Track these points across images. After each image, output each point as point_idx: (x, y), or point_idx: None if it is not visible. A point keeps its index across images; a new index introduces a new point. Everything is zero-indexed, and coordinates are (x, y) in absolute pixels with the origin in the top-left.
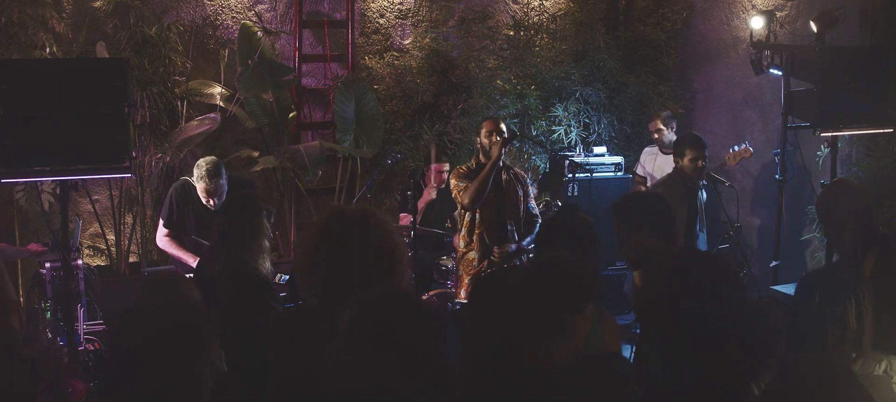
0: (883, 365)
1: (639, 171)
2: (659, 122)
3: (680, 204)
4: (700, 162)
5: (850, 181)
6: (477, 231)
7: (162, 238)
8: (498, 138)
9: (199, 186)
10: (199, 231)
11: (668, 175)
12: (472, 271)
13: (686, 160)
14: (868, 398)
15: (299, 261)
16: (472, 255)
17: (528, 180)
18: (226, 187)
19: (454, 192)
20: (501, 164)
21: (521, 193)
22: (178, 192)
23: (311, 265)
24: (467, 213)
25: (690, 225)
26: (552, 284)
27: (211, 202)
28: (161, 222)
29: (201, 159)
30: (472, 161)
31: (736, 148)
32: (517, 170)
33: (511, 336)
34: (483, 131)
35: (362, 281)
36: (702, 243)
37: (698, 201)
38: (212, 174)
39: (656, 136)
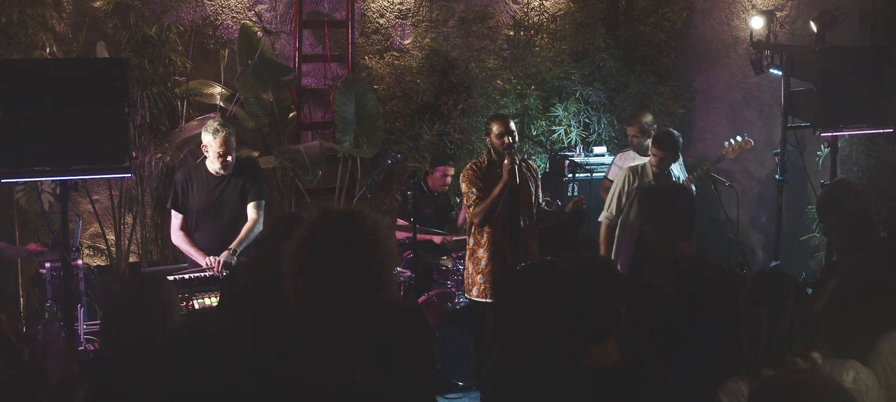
0: (851, 375)
1: (610, 176)
2: (635, 128)
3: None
4: (665, 161)
5: (852, 180)
6: (488, 229)
7: (175, 232)
8: (509, 163)
9: (216, 143)
10: (202, 208)
11: (640, 165)
12: (481, 270)
13: (651, 155)
14: None
15: (286, 263)
16: (481, 252)
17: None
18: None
19: (465, 199)
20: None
21: (533, 187)
22: (181, 175)
23: (298, 268)
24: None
25: None
26: (610, 284)
27: (229, 159)
28: (172, 212)
29: (209, 121)
30: (484, 157)
31: (733, 140)
32: (530, 163)
33: (569, 332)
34: (493, 131)
35: (348, 283)
36: None
37: None
38: (225, 126)
39: (634, 141)
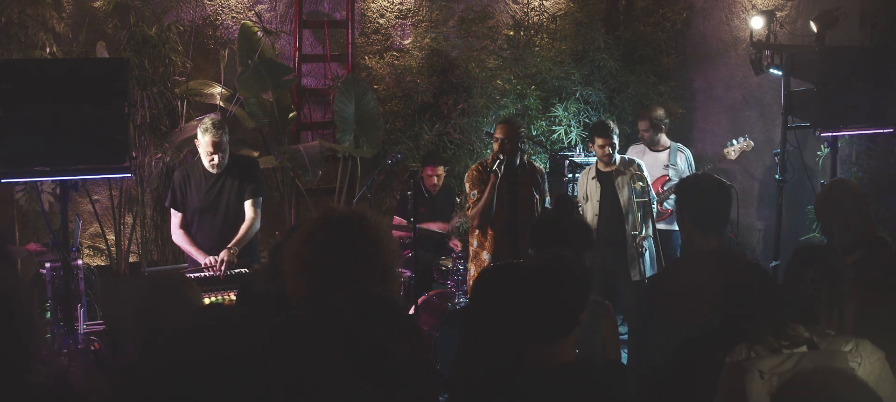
0: (850, 345)
1: None
2: (645, 123)
3: (593, 190)
4: (607, 148)
5: (850, 181)
6: (491, 232)
7: (175, 230)
8: (490, 160)
9: (205, 141)
10: (200, 207)
11: (587, 165)
12: None
13: (596, 146)
14: (875, 398)
15: (289, 263)
16: (485, 255)
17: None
18: (228, 149)
19: (467, 200)
20: (518, 161)
21: (537, 194)
22: (179, 174)
23: (300, 268)
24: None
25: (608, 211)
26: (565, 283)
27: (215, 159)
28: (171, 211)
29: (205, 118)
30: (490, 158)
31: (735, 142)
32: (537, 166)
33: (518, 333)
34: (495, 134)
35: (351, 284)
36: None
37: (617, 188)
38: (217, 126)
39: (645, 135)
